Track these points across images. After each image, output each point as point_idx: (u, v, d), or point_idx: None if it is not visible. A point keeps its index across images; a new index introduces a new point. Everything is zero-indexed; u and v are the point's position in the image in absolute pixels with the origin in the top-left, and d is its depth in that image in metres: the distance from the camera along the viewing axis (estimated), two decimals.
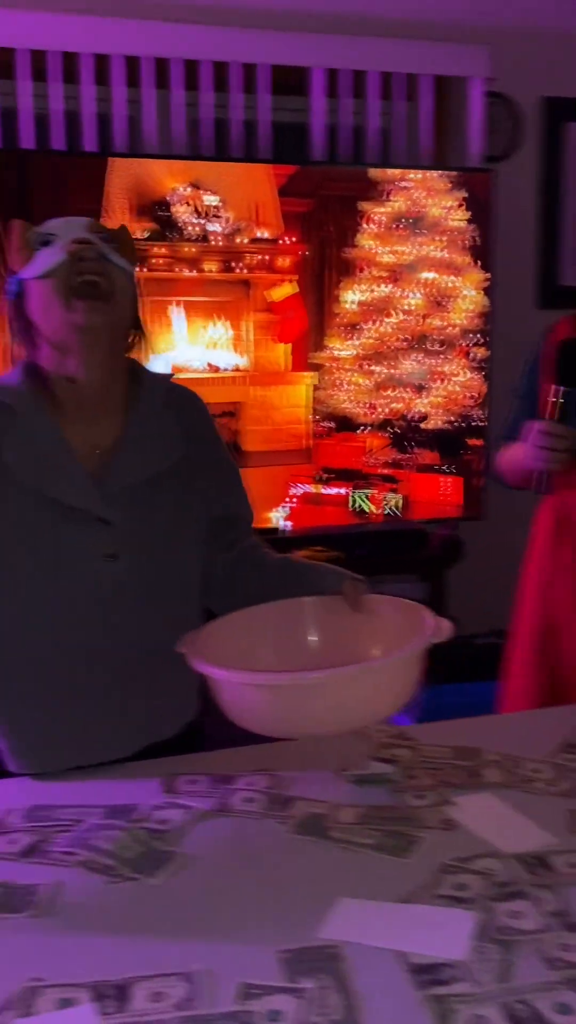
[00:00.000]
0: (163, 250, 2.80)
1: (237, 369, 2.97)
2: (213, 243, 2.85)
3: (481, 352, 3.13)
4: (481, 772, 1.27)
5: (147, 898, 1.02)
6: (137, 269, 1.32)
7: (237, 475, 1.47)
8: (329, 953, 0.90)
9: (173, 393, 1.39)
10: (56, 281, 1.23)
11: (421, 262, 3.05)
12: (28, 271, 1.26)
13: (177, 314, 2.86)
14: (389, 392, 3.09)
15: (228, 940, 0.94)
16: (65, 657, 1.28)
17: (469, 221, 3.06)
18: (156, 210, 2.78)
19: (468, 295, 3.11)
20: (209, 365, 2.94)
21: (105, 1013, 0.83)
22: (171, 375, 1.44)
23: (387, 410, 3.09)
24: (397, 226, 3.02)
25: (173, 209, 2.79)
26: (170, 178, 2.80)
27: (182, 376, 2.92)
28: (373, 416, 3.08)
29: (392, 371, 3.09)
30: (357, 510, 3.09)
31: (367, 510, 3.09)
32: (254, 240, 2.90)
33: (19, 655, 1.29)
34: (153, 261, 2.80)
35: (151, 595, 1.31)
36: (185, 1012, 0.82)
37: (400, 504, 3.11)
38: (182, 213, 2.80)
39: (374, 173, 2.99)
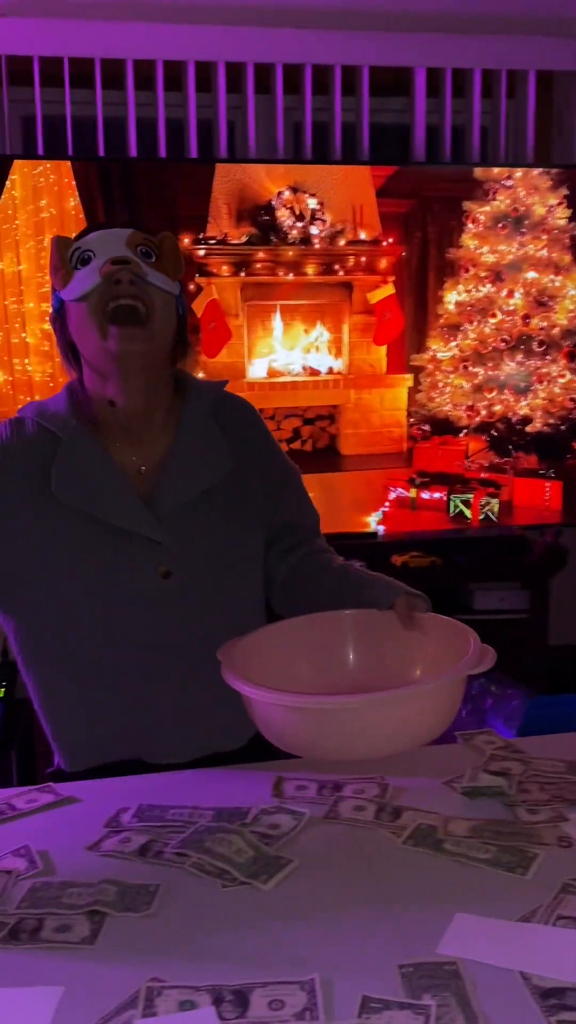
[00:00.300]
0: (263, 254, 2.82)
1: (331, 372, 2.96)
2: (313, 246, 2.85)
3: None
4: None
5: (262, 903, 1.02)
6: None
7: (296, 481, 1.44)
8: (449, 970, 0.88)
9: (221, 404, 1.36)
10: (90, 305, 1.19)
11: (523, 261, 2.99)
12: (66, 292, 1.22)
13: (276, 318, 2.87)
14: (490, 394, 3.04)
15: (345, 950, 0.93)
16: (122, 672, 1.29)
17: (570, 219, 2.99)
18: (259, 215, 2.79)
19: (572, 295, 3.03)
20: (306, 368, 2.94)
21: (224, 1018, 0.83)
22: (223, 383, 1.40)
23: (487, 413, 3.04)
24: (500, 225, 2.97)
25: (275, 213, 2.80)
26: (271, 182, 2.81)
27: (280, 380, 2.95)
28: (473, 419, 3.03)
29: (493, 373, 3.03)
30: (455, 515, 3.04)
31: (466, 515, 3.05)
32: (352, 242, 2.89)
33: (76, 671, 1.29)
34: (255, 266, 2.81)
35: (206, 609, 1.30)
36: (304, 1021, 0.82)
37: (497, 509, 3.05)
38: (284, 217, 2.81)
39: (478, 172, 2.94)
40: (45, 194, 2.66)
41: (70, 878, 1.05)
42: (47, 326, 2.69)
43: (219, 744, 1.35)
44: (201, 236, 2.76)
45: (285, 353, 2.92)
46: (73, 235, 1.27)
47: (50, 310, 1.30)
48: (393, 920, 0.98)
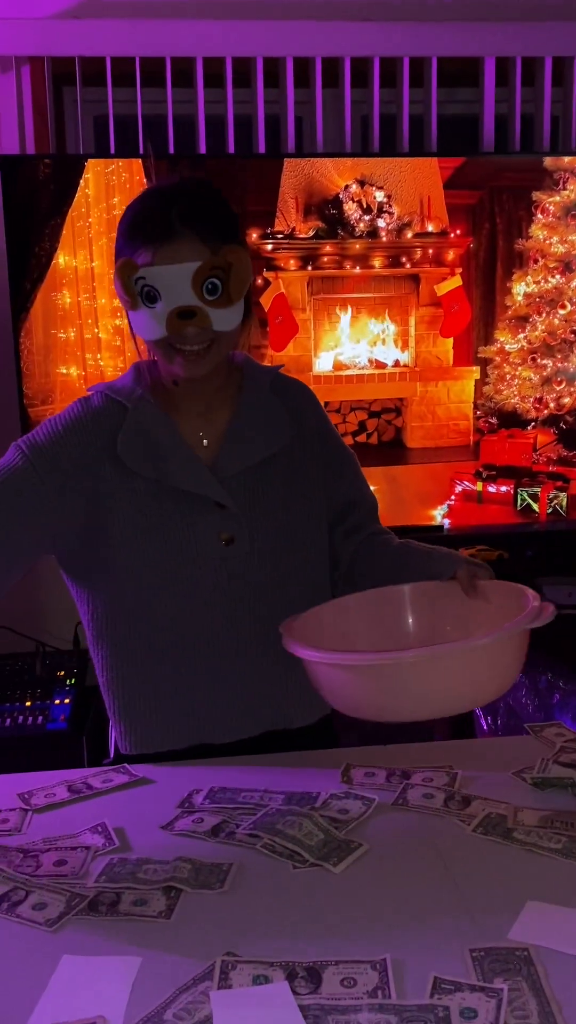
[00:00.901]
0: (330, 248, 2.82)
1: (397, 364, 2.96)
2: (380, 239, 2.85)
3: None
4: None
5: (333, 885, 1.03)
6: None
7: (352, 462, 1.46)
8: (521, 956, 0.88)
9: (279, 382, 1.40)
10: (157, 344, 1.24)
11: None
12: (134, 325, 1.25)
13: (343, 311, 2.88)
14: (558, 387, 3.00)
15: (416, 933, 0.94)
16: (185, 642, 1.31)
17: None
18: (326, 209, 2.80)
19: None
20: (372, 361, 2.94)
21: (298, 992, 0.84)
22: (280, 367, 1.43)
23: (555, 405, 3.00)
24: (570, 215, 2.92)
25: (343, 207, 2.81)
26: (339, 176, 2.82)
27: (346, 373, 2.95)
28: (541, 411, 3.00)
29: (562, 365, 2.99)
30: (522, 508, 3.01)
31: (534, 509, 3.01)
32: (419, 234, 2.88)
33: (140, 640, 1.32)
34: (322, 260, 2.82)
35: (269, 578, 1.32)
36: (377, 1000, 0.83)
37: (566, 503, 3.01)
38: (351, 210, 2.81)
39: (548, 161, 2.90)
40: (117, 191, 2.71)
41: (145, 855, 1.08)
42: (119, 321, 2.74)
43: (284, 720, 1.37)
44: (269, 231, 2.78)
45: (351, 346, 2.92)
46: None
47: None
48: (464, 905, 0.99)
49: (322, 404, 1.48)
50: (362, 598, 1.35)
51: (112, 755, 1.42)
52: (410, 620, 1.35)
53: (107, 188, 2.71)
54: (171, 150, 2.86)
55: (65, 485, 1.28)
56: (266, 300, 2.81)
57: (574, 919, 0.95)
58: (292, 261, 2.81)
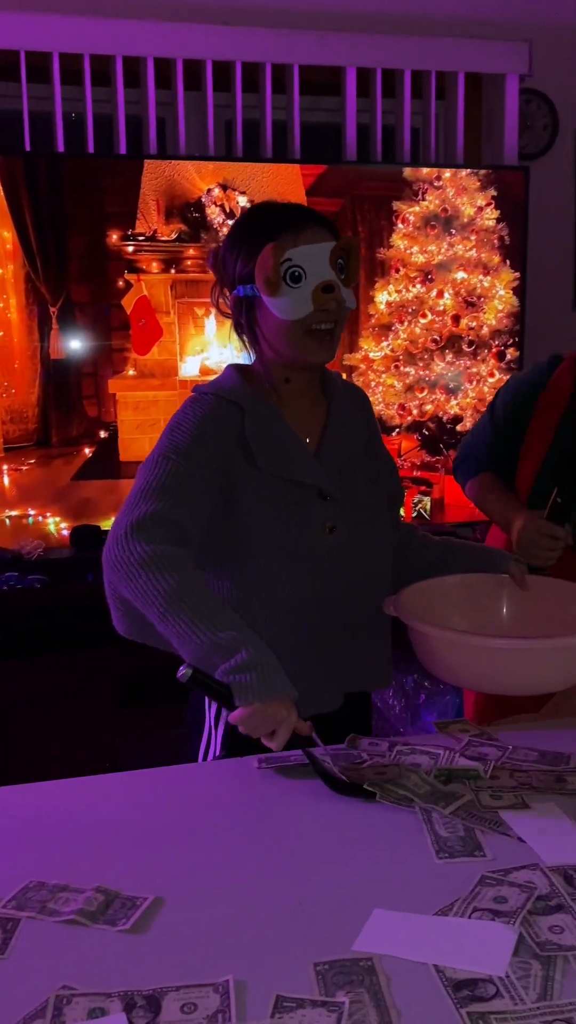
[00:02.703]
0: (194, 251, 2.80)
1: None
2: None
3: (513, 353, 3.09)
4: (567, 779, 1.24)
5: (174, 905, 1.00)
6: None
7: (393, 459, 1.60)
8: (364, 966, 0.88)
9: (344, 383, 1.53)
10: (299, 324, 1.32)
11: (453, 262, 3.02)
12: (277, 307, 1.32)
13: (208, 316, 2.85)
14: (421, 394, 3.06)
15: (261, 951, 0.92)
16: (286, 624, 1.39)
17: (498, 220, 3.03)
18: (189, 212, 2.77)
19: (500, 295, 3.07)
20: None
21: (136, 1023, 0.81)
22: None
23: (419, 412, 3.07)
24: (429, 226, 2.99)
25: (205, 210, 2.78)
26: (201, 179, 2.79)
27: (213, 378, 2.93)
28: (404, 418, 3.05)
29: (424, 372, 3.06)
30: None
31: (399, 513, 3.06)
32: None
33: (259, 621, 1.33)
34: (186, 263, 2.79)
35: (359, 565, 1.43)
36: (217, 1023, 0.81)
37: (429, 507, 3.08)
38: (214, 215, 2.79)
39: (408, 172, 2.97)
40: None
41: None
42: None
43: (362, 686, 1.50)
44: (130, 233, 2.73)
45: (218, 351, 2.91)
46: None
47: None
48: (310, 918, 0.97)
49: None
50: (447, 583, 1.51)
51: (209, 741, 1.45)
52: (502, 606, 1.54)
53: None
54: (27, 147, 2.77)
55: (210, 464, 1.35)
56: (128, 303, 2.76)
57: (418, 925, 0.95)
58: (155, 264, 2.77)
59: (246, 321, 1.37)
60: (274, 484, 1.37)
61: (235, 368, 1.43)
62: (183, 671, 1.19)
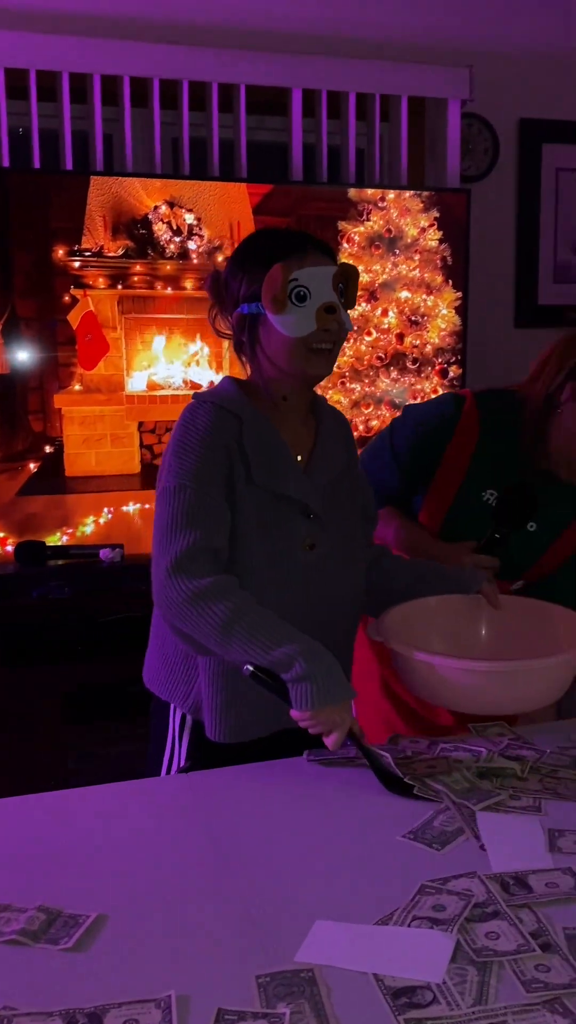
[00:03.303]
0: (141, 268, 2.81)
1: (211, 385, 2.97)
2: (191, 261, 2.86)
3: (456, 371, 3.15)
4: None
5: (119, 921, 1.01)
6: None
7: (367, 478, 1.63)
8: (306, 977, 0.89)
9: (332, 408, 1.58)
10: (302, 341, 1.37)
11: (397, 281, 3.08)
12: (282, 325, 1.36)
13: (156, 331, 2.86)
14: (367, 410, 3.11)
15: (205, 964, 0.93)
16: None
17: (441, 241, 3.09)
18: (136, 228, 2.78)
19: (443, 314, 3.13)
20: (187, 382, 2.94)
21: None
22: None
23: (364, 428, 3.11)
24: (374, 245, 3.04)
25: (152, 227, 2.79)
26: (148, 196, 2.80)
27: (161, 393, 2.93)
28: None
29: (370, 389, 3.10)
30: None
31: None
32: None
33: None
34: (132, 279, 2.80)
35: (337, 581, 1.46)
36: None
37: None
38: (161, 231, 2.80)
39: (352, 193, 3.01)
40: None
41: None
42: None
43: None
44: (76, 248, 2.73)
45: (165, 366, 2.91)
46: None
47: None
48: (254, 930, 0.98)
49: (136, 424, 1.52)
50: (426, 604, 1.55)
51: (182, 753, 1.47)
52: (481, 628, 1.59)
53: None
54: None
55: (220, 480, 1.37)
56: (74, 318, 2.75)
57: (359, 935, 0.96)
58: (101, 279, 2.77)
59: (248, 338, 1.41)
60: (265, 498, 1.40)
61: (233, 380, 1.46)
62: (247, 669, 1.28)
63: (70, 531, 2.84)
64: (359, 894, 1.05)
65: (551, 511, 1.72)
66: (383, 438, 1.83)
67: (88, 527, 2.87)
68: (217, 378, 2.96)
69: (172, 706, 1.49)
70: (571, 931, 0.96)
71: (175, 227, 2.82)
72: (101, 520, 2.88)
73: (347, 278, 1.41)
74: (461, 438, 1.73)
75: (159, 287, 2.83)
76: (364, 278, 3.04)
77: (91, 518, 2.87)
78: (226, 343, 2.95)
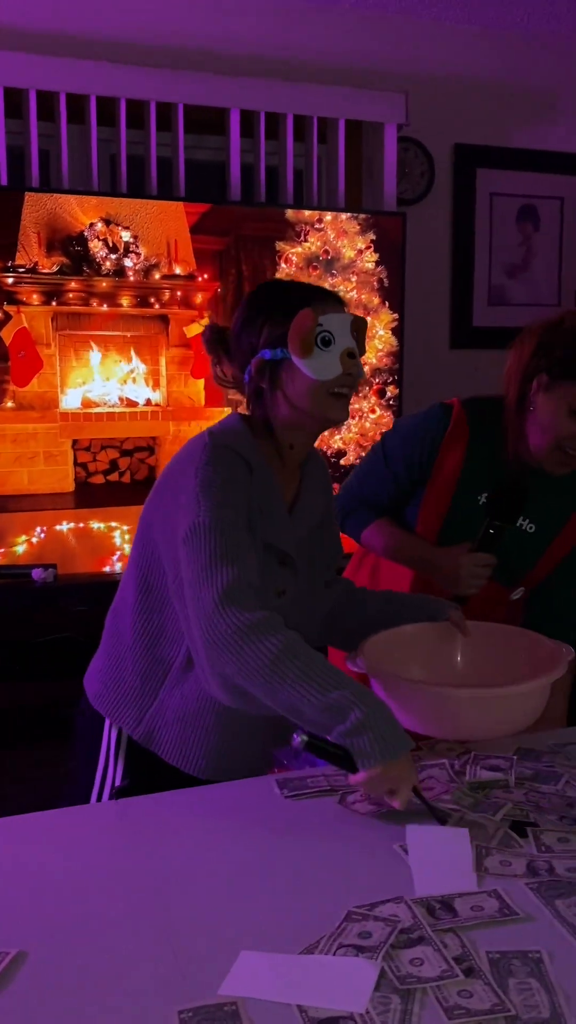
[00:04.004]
0: (76, 284, 2.78)
1: (149, 403, 2.95)
2: (128, 278, 2.84)
3: (393, 390, 3.19)
4: None
5: (39, 958, 0.98)
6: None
7: (336, 523, 1.64)
8: (229, 1011, 0.88)
9: (314, 452, 1.56)
10: (326, 384, 1.39)
11: None
12: (309, 368, 1.38)
13: (91, 349, 2.84)
14: None
15: (124, 998, 0.91)
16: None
17: (377, 263, 3.13)
18: (70, 245, 2.76)
19: (380, 335, 3.17)
20: (123, 400, 2.91)
21: None
22: None
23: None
24: (311, 266, 3.07)
25: (88, 244, 2.77)
26: (83, 213, 2.79)
27: (96, 411, 2.91)
28: None
29: None
30: None
31: None
32: (167, 276, 2.90)
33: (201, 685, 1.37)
34: (67, 296, 2.77)
35: (300, 626, 1.40)
36: None
37: None
38: (96, 248, 2.79)
39: (290, 214, 3.04)
40: None
41: None
42: None
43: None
44: (10, 264, 2.69)
45: (101, 383, 2.89)
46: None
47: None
48: (177, 961, 0.97)
49: (71, 442, 1.49)
50: (403, 633, 1.56)
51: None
52: (457, 655, 1.61)
53: None
54: None
55: (244, 524, 1.36)
56: (7, 334, 2.71)
57: (283, 965, 0.95)
58: (35, 296, 2.74)
59: (269, 384, 1.40)
60: (257, 542, 1.39)
61: (243, 420, 1.45)
62: (298, 739, 1.21)
63: (1, 551, 2.79)
64: (286, 922, 1.04)
65: (547, 509, 1.75)
66: (375, 450, 1.87)
67: (20, 546, 2.82)
68: (154, 396, 2.95)
69: (107, 722, 1.46)
70: (494, 955, 0.96)
71: (111, 244, 2.80)
72: (33, 539, 2.83)
73: (360, 328, 1.44)
74: (452, 445, 1.75)
75: (95, 304, 2.81)
76: None
77: (23, 537, 2.82)
78: (163, 360, 2.94)
